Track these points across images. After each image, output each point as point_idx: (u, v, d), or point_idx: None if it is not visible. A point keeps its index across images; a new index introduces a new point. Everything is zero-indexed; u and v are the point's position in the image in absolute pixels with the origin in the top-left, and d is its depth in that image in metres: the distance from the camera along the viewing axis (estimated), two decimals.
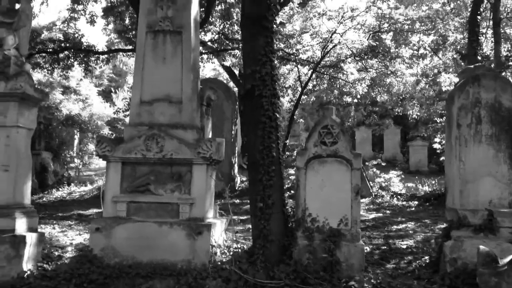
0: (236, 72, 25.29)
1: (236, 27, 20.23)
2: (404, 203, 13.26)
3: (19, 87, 5.68)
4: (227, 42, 20.56)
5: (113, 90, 36.55)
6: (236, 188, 17.72)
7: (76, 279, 5.31)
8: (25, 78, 5.73)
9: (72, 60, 20.28)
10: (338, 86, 23.45)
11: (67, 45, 19.18)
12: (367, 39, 20.72)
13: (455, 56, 25.06)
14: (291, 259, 5.57)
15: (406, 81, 24.10)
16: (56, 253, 6.37)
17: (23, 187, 5.90)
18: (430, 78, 25.16)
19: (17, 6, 6.27)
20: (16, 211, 5.68)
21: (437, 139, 21.49)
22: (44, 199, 15.93)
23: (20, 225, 5.66)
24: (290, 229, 5.80)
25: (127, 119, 23.75)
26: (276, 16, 5.97)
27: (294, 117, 21.89)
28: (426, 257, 6.29)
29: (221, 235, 6.38)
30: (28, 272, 5.51)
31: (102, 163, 25.70)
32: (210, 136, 7.05)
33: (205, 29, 20.11)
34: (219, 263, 5.69)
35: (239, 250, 6.21)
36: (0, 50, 5.90)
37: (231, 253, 6.12)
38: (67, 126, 24.16)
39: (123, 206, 5.79)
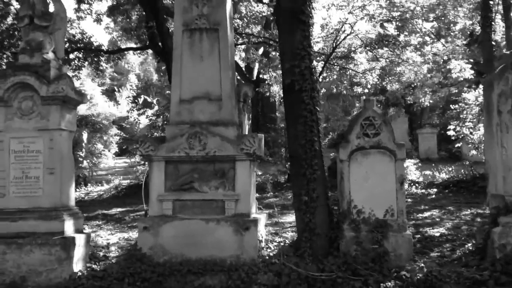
0: (242, 65, 25.29)
1: (239, 22, 20.19)
2: (423, 191, 13.25)
3: (61, 90, 5.73)
4: (238, 36, 20.55)
5: (116, 89, 36.52)
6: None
7: (128, 278, 5.37)
8: (67, 81, 5.77)
9: (83, 61, 20.29)
10: (348, 77, 23.39)
11: (78, 45, 19.17)
12: (378, 28, 20.63)
13: (464, 42, 24.97)
14: (338, 251, 5.62)
15: (417, 69, 23.98)
16: (101, 253, 6.43)
17: (68, 189, 5.96)
18: (440, 65, 25.03)
19: (51, 9, 6.31)
20: (64, 213, 5.74)
21: (451, 126, 21.47)
22: None
23: (69, 227, 5.73)
24: (335, 222, 5.85)
25: (131, 119, 23.84)
26: (312, 9, 5.95)
27: None
28: (468, 244, 6.31)
29: (263, 230, 6.43)
30: (79, 273, 5.58)
31: (111, 163, 25.84)
32: (247, 132, 7.07)
33: None
34: (267, 257, 5.74)
35: (283, 243, 6.25)
36: (39, 54, 5.94)
37: (274, 247, 6.17)
38: (79, 127, 24.21)
39: (169, 205, 5.84)
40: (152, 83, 37.76)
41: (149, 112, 27.25)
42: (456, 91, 27.54)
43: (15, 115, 5.84)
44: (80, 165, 23.48)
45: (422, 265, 5.38)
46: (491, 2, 16.71)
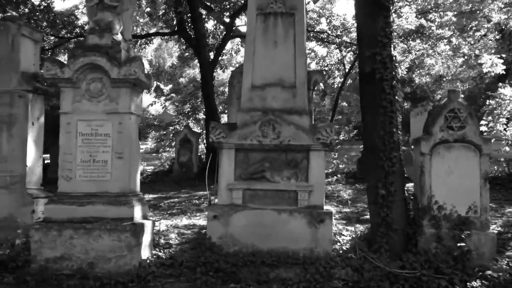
0: None
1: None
2: None
3: (133, 72, 5.53)
4: None
5: None
6: None
7: (200, 267, 5.22)
8: (139, 64, 5.58)
9: None
10: None
11: None
12: (418, 19, 20.23)
13: (497, 37, 24.47)
14: (416, 248, 5.41)
15: (450, 63, 23.54)
16: (162, 241, 6.28)
17: (135, 174, 5.81)
18: (470, 59, 24.54)
19: None
20: (133, 199, 5.59)
21: (483, 122, 21.06)
22: None
23: (137, 212, 5.58)
24: (412, 217, 5.63)
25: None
26: None
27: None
28: None
29: None
30: (148, 261, 5.44)
31: None
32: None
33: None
34: (340, 251, 5.55)
35: (350, 237, 6.05)
36: (109, 34, 5.75)
37: (343, 240, 5.97)
38: None
39: (239, 194, 5.66)
40: (164, 69, 37.47)
41: (162, 98, 27.04)
42: (484, 85, 27.12)
43: (83, 97, 5.67)
44: None
45: (504, 265, 5.15)
46: None
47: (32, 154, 6.86)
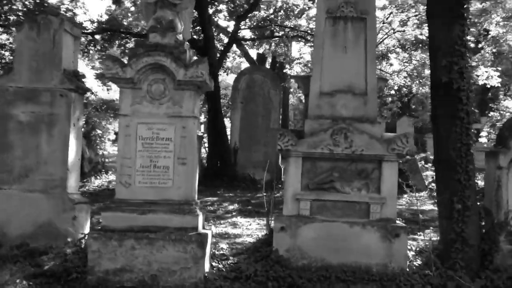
0: (269, 59, 24.79)
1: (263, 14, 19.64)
2: None
3: (200, 75, 5.24)
4: (276, 28, 20.09)
5: None
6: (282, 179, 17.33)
7: (272, 282, 4.95)
8: (205, 66, 5.29)
9: (109, 43, 19.50)
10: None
11: (104, 26, 18.34)
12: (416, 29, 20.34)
13: (494, 50, 24.86)
14: (491, 264, 5.23)
15: None
16: (217, 252, 5.97)
17: (195, 181, 5.50)
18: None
19: None
20: (196, 207, 5.29)
21: (483, 133, 21.28)
22: (86, 188, 15.34)
23: (200, 222, 5.28)
24: (486, 233, 5.46)
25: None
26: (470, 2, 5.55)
27: None
28: None
29: None
30: (211, 273, 5.14)
31: (109, 150, 25.24)
32: None
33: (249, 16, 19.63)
34: (414, 267, 5.34)
35: (417, 252, 5.85)
36: (172, 34, 5.45)
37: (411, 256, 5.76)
38: (99, 112, 23.52)
39: (307, 205, 5.40)
40: None
41: None
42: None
43: (143, 99, 5.34)
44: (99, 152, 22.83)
45: None
46: None
47: (72, 157, 6.47)
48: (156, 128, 5.34)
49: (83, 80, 6.82)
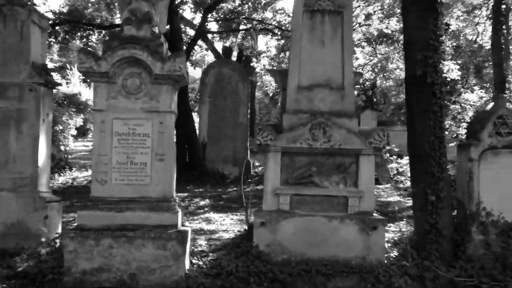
0: (235, 53, 24.67)
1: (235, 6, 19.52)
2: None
3: (178, 69, 5.14)
4: (244, 21, 19.99)
5: (68, 67, 34.53)
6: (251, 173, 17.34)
7: (253, 277, 4.94)
8: (183, 59, 5.19)
9: (71, 35, 18.90)
10: None
11: (65, 17, 17.78)
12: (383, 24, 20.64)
13: (454, 44, 25.49)
14: (464, 254, 5.40)
15: None
16: (195, 248, 5.92)
17: (173, 178, 5.41)
18: None
19: None
20: (175, 204, 5.21)
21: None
22: (51, 185, 14.89)
23: (179, 219, 5.21)
24: (459, 223, 5.61)
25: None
26: None
27: None
28: None
29: None
30: (192, 271, 5.09)
31: (79, 147, 24.64)
32: None
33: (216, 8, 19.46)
34: (391, 259, 5.44)
35: (392, 244, 5.96)
36: (147, 26, 5.31)
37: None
38: (61, 106, 22.85)
39: (287, 199, 5.41)
40: None
41: None
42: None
43: (119, 94, 5.21)
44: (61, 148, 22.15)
45: None
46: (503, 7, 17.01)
47: (43, 154, 6.26)
48: (133, 124, 5.22)
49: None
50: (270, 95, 32.12)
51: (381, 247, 5.30)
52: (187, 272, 5.02)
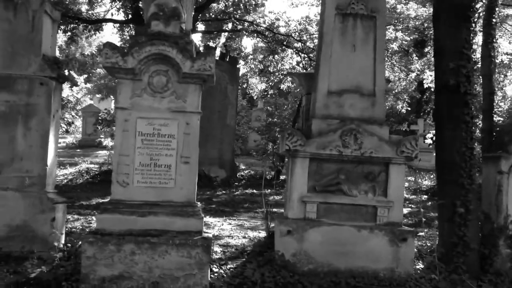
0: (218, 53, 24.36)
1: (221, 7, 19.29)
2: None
3: (208, 68, 4.88)
4: (236, 22, 19.78)
5: None
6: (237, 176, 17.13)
7: None
8: (213, 59, 4.95)
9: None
10: None
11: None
12: None
13: None
14: (491, 268, 5.32)
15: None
16: (214, 256, 5.67)
17: (196, 181, 5.16)
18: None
19: None
20: (200, 210, 4.96)
21: (429, 135, 22.13)
22: None
23: (202, 225, 4.96)
24: (486, 237, 5.53)
25: None
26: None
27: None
28: None
29: None
30: (215, 280, 4.86)
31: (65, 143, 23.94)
32: None
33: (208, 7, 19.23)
34: (418, 271, 5.31)
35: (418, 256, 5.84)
36: (176, 22, 5.05)
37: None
38: None
39: (314, 207, 5.23)
40: (75, 58, 35.52)
41: (74, 88, 25.26)
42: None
43: (144, 91, 4.92)
44: None
45: None
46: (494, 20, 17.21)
47: (52, 153, 5.92)
48: (158, 124, 4.94)
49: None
50: (255, 98, 31.85)
51: (410, 259, 5.17)
52: (211, 281, 4.77)
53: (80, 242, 5.50)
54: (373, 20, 5.48)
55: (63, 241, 5.77)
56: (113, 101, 37.57)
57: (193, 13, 5.61)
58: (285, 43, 20.55)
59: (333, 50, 5.47)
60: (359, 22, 5.48)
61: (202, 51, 5.07)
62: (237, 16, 19.64)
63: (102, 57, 4.82)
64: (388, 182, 5.29)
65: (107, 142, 24.81)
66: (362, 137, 5.19)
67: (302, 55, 20.74)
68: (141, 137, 4.91)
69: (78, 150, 24.05)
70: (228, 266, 5.37)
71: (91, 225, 7.88)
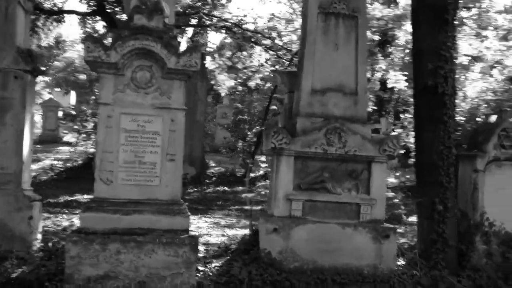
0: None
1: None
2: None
3: (193, 64, 4.81)
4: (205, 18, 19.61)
5: None
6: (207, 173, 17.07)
7: (268, 286, 4.74)
8: (199, 54, 4.90)
9: None
10: None
11: None
12: None
13: (402, 55, 26.38)
14: (468, 263, 5.49)
15: None
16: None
17: (181, 179, 5.09)
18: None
19: None
20: (185, 207, 4.91)
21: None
22: None
23: (189, 223, 4.91)
24: (463, 233, 5.70)
25: None
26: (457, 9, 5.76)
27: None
28: None
29: None
30: (202, 278, 4.82)
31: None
32: None
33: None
34: (400, 268, 5.42)
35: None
36: (159, 17, 4.95)
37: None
38: None
39: (299, 205, 5.25)
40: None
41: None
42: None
43: (127, 87, 4.81)
44: None
45: None
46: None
47: (27, 148, 5.71)
48: (142, 120, 4.84)
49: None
50: (222, 95, 31.69)
51: (393, 256, 5.28)
52: (198, 280, 4.73)
53: (58, 241, 5.36)
54: (354, 19, 5.54)
55: (40, 240, 5.58)
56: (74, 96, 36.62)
57: (174, 9, 5.49)
58: (253, 39, 20.48)
59: (316, 49, 5.49)
60: (341, 21, 5.53)
61: (189, 46, 4.99)
62: (205, 11, 19.43)
63: (84, 51, 4.67)
64: (371, 180, 5.37)
65: (70, 137, 24.11)
66: (346, 136, 5.25)
67: (271, 52, 20.73)
68: (125, 134, 4.79)
69: (39, 146, 23.25)
70: (213, 265, 5.33)
71: (63, 224, 7.68)
